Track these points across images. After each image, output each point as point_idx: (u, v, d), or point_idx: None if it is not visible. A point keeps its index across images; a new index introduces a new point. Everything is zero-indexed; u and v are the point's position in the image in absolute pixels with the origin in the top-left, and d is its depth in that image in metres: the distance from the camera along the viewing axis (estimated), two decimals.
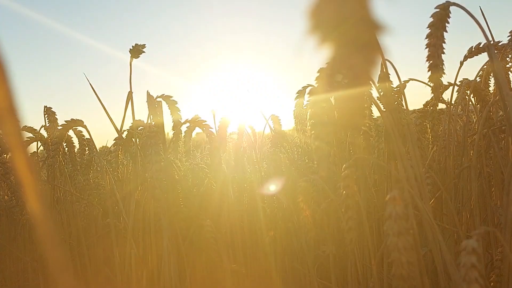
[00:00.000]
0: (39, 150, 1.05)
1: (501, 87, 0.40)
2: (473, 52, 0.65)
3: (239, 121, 0.91)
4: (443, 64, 0.47)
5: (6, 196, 1.00)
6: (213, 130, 0.84)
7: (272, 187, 0.84)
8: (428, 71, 0.48)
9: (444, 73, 0.48)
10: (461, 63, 0.66)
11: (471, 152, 0.80)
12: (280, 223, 0.80)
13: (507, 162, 0.56)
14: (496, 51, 0.65)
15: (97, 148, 0.94)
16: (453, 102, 0.73)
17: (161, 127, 0.70)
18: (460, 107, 0.76)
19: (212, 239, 0.70)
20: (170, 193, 0.69)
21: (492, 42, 0.63)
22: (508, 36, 0.66)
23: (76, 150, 0.97)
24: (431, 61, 0.47)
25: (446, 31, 0.46)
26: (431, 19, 0.46)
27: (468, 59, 0.66)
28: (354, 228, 0.44)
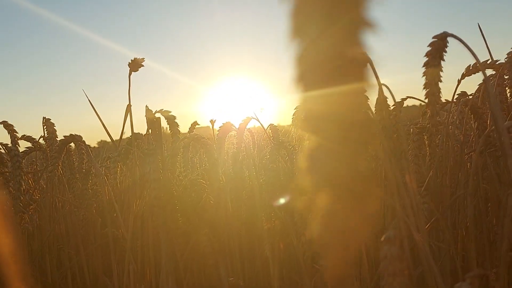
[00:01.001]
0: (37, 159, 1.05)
1: (497, 120, 0.40)
2: (470, 70, 0.65)
3: (238, 126, 0.91)
4: (440, 92, 0.47)
5: None
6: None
7: (271, 199, 0.84)
8: (425, 98, 0.48)
9: (441, 101, 0.48)
10: (459, 81, 0.66)
11: (468, 165, 0.81)
12: (278, 237, 0.80)
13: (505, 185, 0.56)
14: (492, 70, 0.65)
15: (96, 142, 0.94)
16: (450, 116, 0.73)
17: (159, 142, 0.70)
18: (457, 120, 0.76)
19: (210, 254, 0.70)
20: (168, 209, 0.69)
21: (490, 61, 0.63)
22: (506, 58, 0.66)
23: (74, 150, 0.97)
24: (428, 89, 0.47)
25: (443, 60, 0.46)
26: (429, 48, 0.46)
27: (466, 77, 0.66)
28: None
